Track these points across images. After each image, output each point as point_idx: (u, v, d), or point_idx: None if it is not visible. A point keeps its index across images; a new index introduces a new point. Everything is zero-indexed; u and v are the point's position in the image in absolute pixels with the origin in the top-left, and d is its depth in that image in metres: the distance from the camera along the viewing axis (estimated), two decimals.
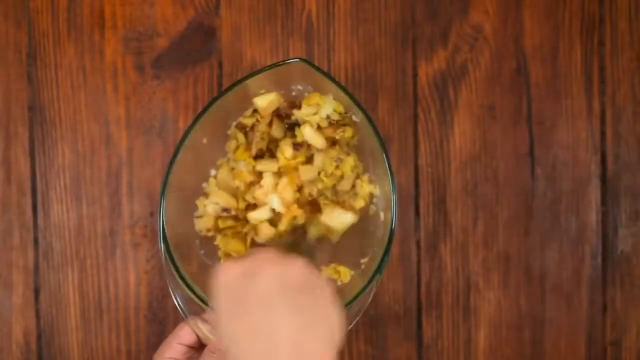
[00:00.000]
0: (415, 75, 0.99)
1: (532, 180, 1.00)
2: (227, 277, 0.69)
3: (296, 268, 0.69)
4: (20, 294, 0.98)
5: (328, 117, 0.87)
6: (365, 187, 0.89)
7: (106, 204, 0.98)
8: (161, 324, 0.98)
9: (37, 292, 0.98)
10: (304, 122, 0.87)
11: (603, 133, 1.00)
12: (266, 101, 0.88)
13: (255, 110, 0.89)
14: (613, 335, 1.00)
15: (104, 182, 0.98)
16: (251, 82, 0.85)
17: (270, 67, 0.85)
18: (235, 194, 0.88)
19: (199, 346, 0.82)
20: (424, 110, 0.99)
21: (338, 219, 0.88)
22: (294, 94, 0.89)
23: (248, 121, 0.89)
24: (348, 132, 0.87)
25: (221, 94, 0.85)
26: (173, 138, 0.98)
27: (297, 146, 0.87)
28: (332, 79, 0.85)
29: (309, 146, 0.87)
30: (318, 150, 0.88)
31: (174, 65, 0.98)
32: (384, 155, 0.83)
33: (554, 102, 1.00)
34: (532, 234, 1.00)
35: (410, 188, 0.99)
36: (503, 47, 1.00)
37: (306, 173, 0.87)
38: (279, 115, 0.88)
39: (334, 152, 0.87)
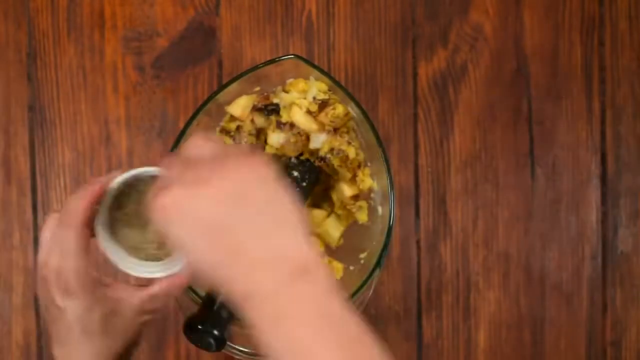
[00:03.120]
0: (415, 75, 0.99)
1: (532, 180, 1.00)
2: (173, 198, 0.61)
3: (231, 169, 0.61)
4: (20, 294, 0.98)
5: (314, 98, 0.87)
6: (367, 181, 0.89)
7: None
8: (161, 324, 0.98)
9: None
10: (292, 104, 0.87)
11: (603, 133, 1.00)
12: (239, 107, 0.88)
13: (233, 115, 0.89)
14: (613, 335, 1.00)
15: None
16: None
17: (266, 63, 0.85)
18: None
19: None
20: (424, 110, 0.99)
21: (334, 227, 0.89)
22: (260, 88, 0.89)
23: (231, 125, 0.89)
24: (339, 109, 0.87)
25: (218, 90, 0.85)
26: (173, 138, 0.98)
27: (280, 124, 0.87)
28: (327, 75, 0.85)
29: (292, 125, 0.87)
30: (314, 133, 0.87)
31: (174, 65, 0.98)
32: (381, 149, 0.83)
33: (554, 102, 1.00)
34: (532, 234, 1.00)
35: (410, 188, 0.99)
36: (503, 47, 1.00)
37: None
38: (258, 109, 0.88)
39: (335, 142, 0.87)
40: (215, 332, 0.67)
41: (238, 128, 0.89)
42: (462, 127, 0.99)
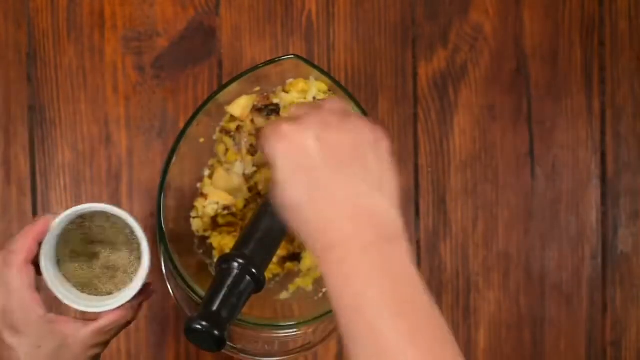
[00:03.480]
0: (415, 75, 0.99)
1: (532, 180, 1.00)
2: (285, 142, 0.63)
3: (355, 125, 0.65)
4: None
5: (314, 98, 0.87)
6: None
7: None
8: (161, 324, 0.98)
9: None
10: (292, 104, 0.87)
11: (603, 133, 1.00)
12: (239, 107, 0.88)
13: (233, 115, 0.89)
14: (613, 335, 1.00)
15: (104, 182, 0.98)
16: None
17: (266, 63, 0.85)
18: (233, 192, 0.88)
19: None
20: (424, 110, 0.99)
21: None
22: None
23: (231, 125, 0.89)
24: None
25: (218, 90, 0.85)
26: (173, 138, 0.97)
27: None
28: (328, 75, 0.85)
29: None
30: None
31: (174, 65, 0.98)
32: None
33: (554, 102, 1.00)
34: (532, 234, 1.00)
35: (410, 188, 0.99)
36: (503, 47, 1.00)
37: None
38: (258, 109, 0.88)
39: None
40: (216, 332, 0.67)
41: (238, 128, 0.89)
42: (462, 127, 0.99)
